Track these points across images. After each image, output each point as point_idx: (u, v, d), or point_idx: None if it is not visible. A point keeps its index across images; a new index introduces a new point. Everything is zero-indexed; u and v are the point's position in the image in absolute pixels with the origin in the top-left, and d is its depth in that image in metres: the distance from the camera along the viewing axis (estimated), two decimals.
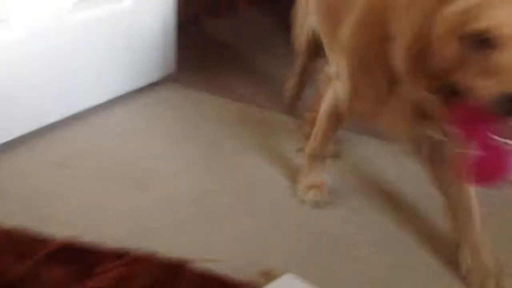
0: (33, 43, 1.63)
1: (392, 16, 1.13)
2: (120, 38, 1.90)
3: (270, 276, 1.22)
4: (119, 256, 1.24)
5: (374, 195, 1.57)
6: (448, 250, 1.35)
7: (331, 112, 1.44)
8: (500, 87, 0.96)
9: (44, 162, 1.59)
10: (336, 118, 1.45)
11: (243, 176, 1.61)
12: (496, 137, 1.03)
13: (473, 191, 1.32)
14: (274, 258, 1.31)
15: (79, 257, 1.24)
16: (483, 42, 0.98)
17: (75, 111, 1.80)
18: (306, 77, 1.92)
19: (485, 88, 0.98)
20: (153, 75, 2.07)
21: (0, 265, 1.19)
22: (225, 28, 2.71)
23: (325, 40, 1.56)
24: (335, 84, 1.41)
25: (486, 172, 1.06)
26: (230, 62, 2.34)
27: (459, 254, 1.31)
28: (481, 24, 0.97)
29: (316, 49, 1.75)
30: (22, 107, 1.65)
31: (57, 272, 1.19)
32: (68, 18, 1.70)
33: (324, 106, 1.46)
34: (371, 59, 1.22)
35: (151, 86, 2.04)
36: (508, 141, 1.03)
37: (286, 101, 1.97)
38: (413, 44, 1.07)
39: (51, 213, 1.39)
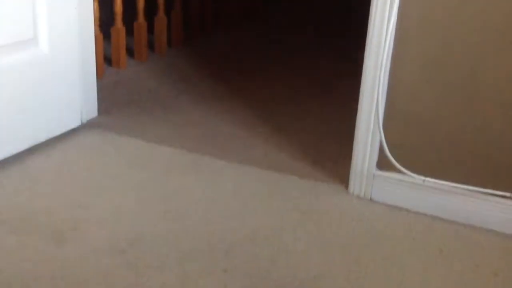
0: None
1: None
2: (37, 84, 1.83)
3: None
4: None
5: None
6: None
7: None
8: None
9: None
10: None
11: (171, 222, 1.55)
12: None
13: None
14: None
15: None
16: None
17: None
18: None
19: None
20: (74, 121, 2.01)
21: None
22: (148, 72, 2.70)
23: None
24: None
25: None
26: (153, 106, 2.30)
27: None
28: None
29: None
30: None
31: None
32: None
33: None
34: None
35: (73, 132, 1.98)
36: None
37: None
38: None
39: None
